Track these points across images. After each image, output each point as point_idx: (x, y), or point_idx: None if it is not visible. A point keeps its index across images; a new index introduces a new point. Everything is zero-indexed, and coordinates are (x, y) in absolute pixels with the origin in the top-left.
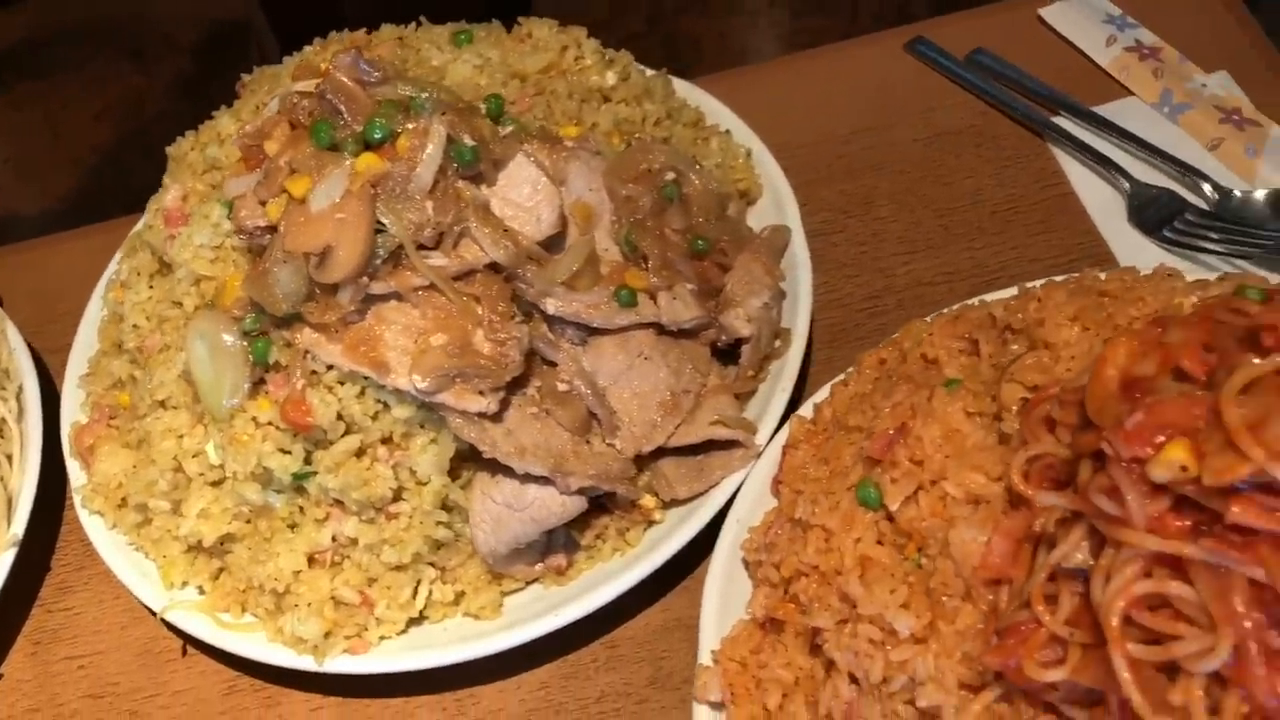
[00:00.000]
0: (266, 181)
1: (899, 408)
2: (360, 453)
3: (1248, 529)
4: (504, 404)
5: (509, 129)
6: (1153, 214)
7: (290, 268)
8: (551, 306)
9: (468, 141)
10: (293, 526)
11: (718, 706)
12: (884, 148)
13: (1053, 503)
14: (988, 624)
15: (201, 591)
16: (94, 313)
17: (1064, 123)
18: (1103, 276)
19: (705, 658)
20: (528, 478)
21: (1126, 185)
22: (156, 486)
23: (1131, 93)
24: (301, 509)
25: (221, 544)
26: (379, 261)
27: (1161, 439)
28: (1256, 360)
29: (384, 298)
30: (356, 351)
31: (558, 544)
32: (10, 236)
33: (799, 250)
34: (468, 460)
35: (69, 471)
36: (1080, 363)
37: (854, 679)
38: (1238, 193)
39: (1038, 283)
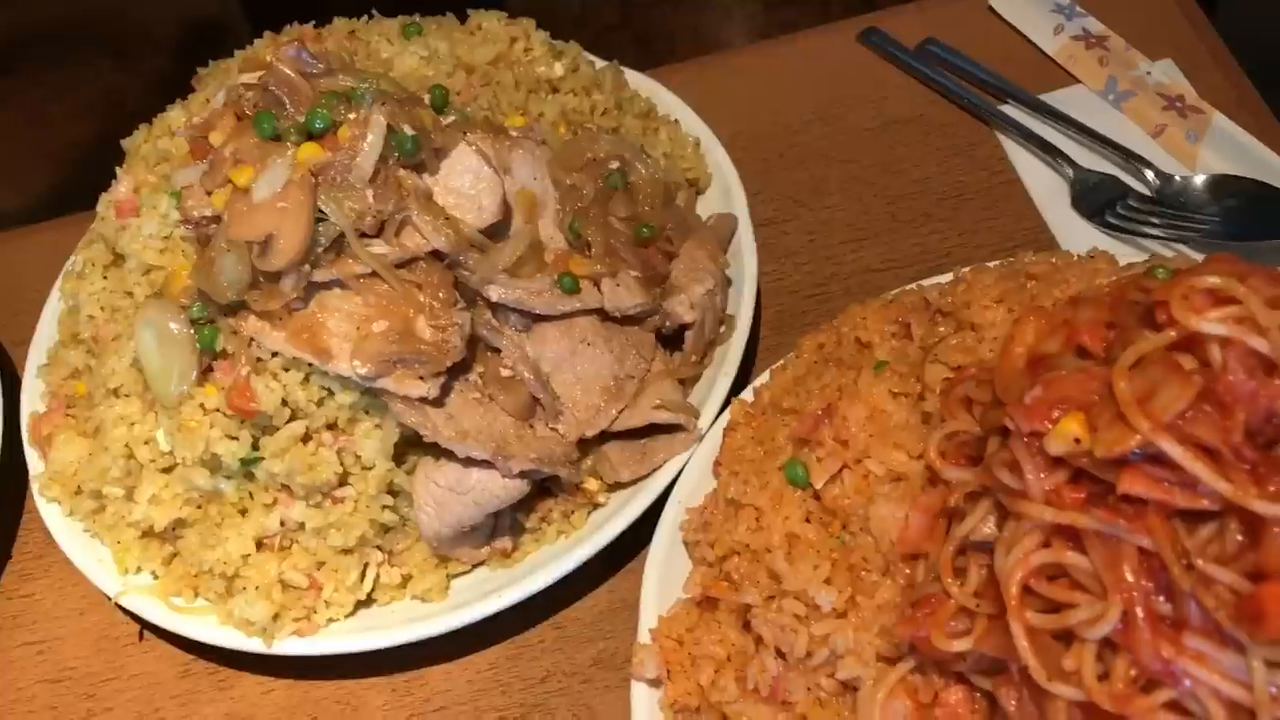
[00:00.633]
0: (212, 172)
1: (827, 389)
2: (306, 438)
3: (1138, 499)
4: (446, 389)
5: (451, 119)
6: (1095, 200)
7: (234, 256)
8: (494, 293)
9: (408, 131)
10: (243, 512)
11: (655, 683)
12: (836, 137)
13: (959, 478)
14: (905, 598)
15: (155, 576)
16: (55, 304)
17: (1011, 111)
18: (1031, 259)
19: (644, 636)
20: (470, 461)
21: (1070, 172)
22: (109, 473)
23: (1078, 81)
24: (251, 494)
25: (174, 529)
26: (321, 249)
27: (1058, 413)
28: (1150, 335)
29: (327, 285)
30: (299, 338)
31: (503, 527)
32: None
33: (745, 237)
34: (414, 446)
35: (28, 461)
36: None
37: (781, 654)
38: (1178, 178)
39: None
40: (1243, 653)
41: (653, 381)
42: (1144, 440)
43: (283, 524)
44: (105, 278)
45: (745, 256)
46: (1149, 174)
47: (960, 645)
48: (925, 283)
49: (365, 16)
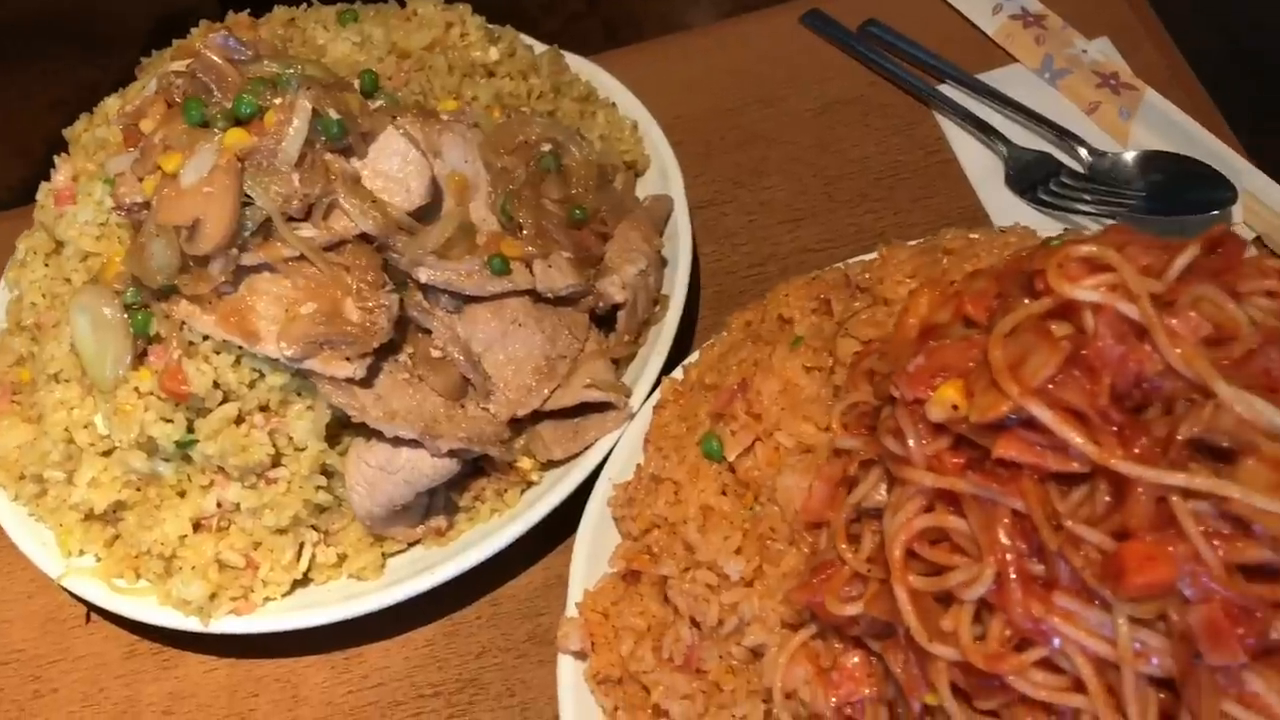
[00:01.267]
0: (143, 159)
1: (743, 364)
2: (239, 420)
3: (1013, 463)
4: (375, 370)
5: (380, 103)
6: (1028, 177)
7: (163, 241)
8: (423, 275)
9: (333, 115)
10: (181, 494)
11: (580, 656)
12: (776, 119)
13: (851, 445)
14: (808, 565)
15: (98, 559)
16: (3, 293)
17: (949, 91)
18: (950, 236)
19: (572, 610)
20: (399, 441)
21: (1005, 150)
22: (50, 457)
23: (1016, 60)
24: (189, 477)
25: (114, 511)
26: (248, 233)
27: (939, 381)
28: (1028, 303)
29: (256, 269)
30: (229, 321)
31: (438, 506)
32: None
33: (680, 218)
34: (347, 427)
35: None
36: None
37: (695, 623)
38: (1110, 155)
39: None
40: (1109, 610)
41: (585, 361)
42: (1015, 405)
43: (219, 505)
44: (46, 265)
45: (681, 237)
46: (1082, 151)
47: (851, 609)
48: (852, 261)
49: (304, 4)
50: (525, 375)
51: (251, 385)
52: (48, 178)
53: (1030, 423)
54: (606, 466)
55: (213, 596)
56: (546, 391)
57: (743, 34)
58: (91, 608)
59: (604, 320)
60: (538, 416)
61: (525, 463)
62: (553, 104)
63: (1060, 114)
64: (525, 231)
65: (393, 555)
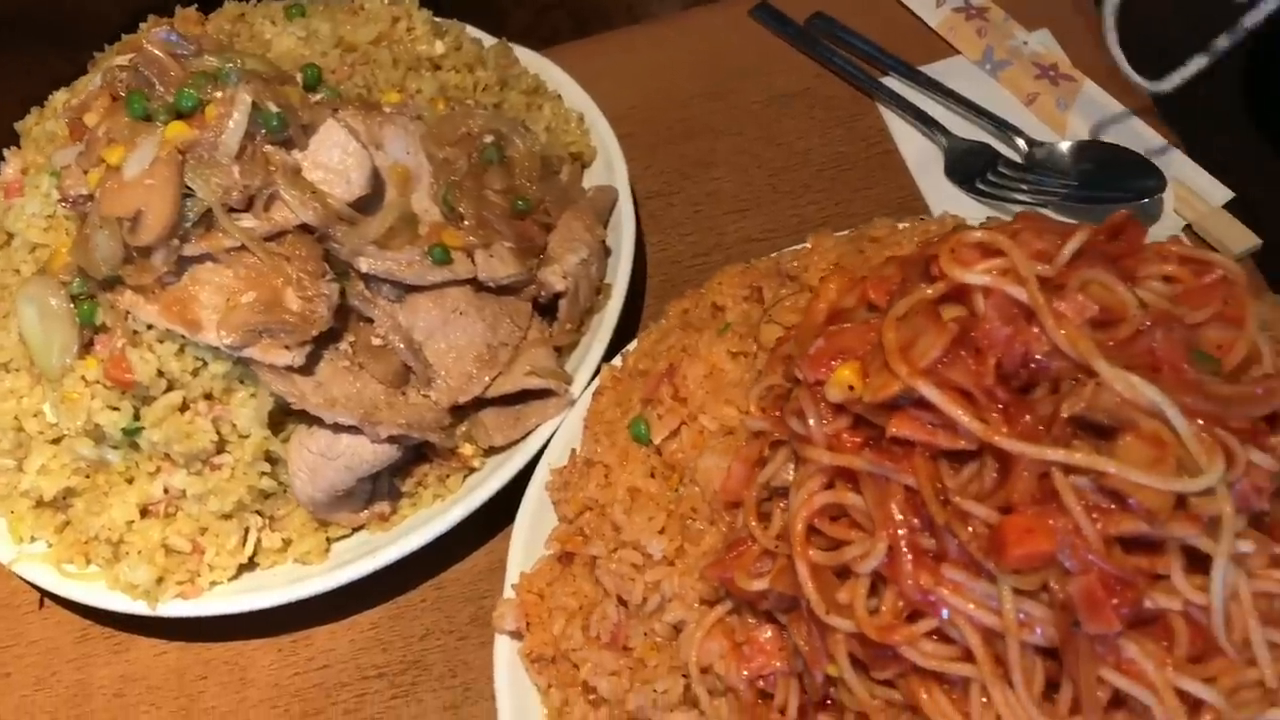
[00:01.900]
0: (87, 151)
1: (672, 350)
2: (183, 408)
3: (906, 441)
4: (315, 358)
5: (320, 96)
6: (967, 167)
7: (106, 233)
8: (364, 265)
9: (273, 109)
10: (129, 480)
11: (516, 635)
12: (724, 111)
13: (761, 426)
14: (725, 543)
15: (49, 545)
16: None
17: (892, 83)
18: (876, 224)
19: (509, 592)
20: (339, 428)
21: (945, 140)
22: (0, 445)
23: (958, 51)
24: (137, 464)
25: (64, 498)
26: (189, 224)
27: (837, 363)
28: (922, 288)
29: (199, 259)
30: (171, 311)
31: (381, 492)
32: None
33: (624, 208)
34: (291, 415)
35: None
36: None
37: (622, 601)
38: (1046, 144)
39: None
40: (994, 582)
41: (527, 349)
42: (905, 385)
43: (166, 491)
44: None
45: (625, 226)
46: (1020, 141)
47: (759, 585)
48: (786, 250)
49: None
50: (467, 363)
51: (195, 373)
52: None
53: (922, 402)
54: (546, 452)
55: (160, 580)
56: (488, 379)
57: (692, 28)
58: (43, 593)
59: (547, 309)
60: (480, 403)
61: (467, 449)
62: (499, 97)
63: (1000, 105)
64: (467, 222)
65: (337, 540)
